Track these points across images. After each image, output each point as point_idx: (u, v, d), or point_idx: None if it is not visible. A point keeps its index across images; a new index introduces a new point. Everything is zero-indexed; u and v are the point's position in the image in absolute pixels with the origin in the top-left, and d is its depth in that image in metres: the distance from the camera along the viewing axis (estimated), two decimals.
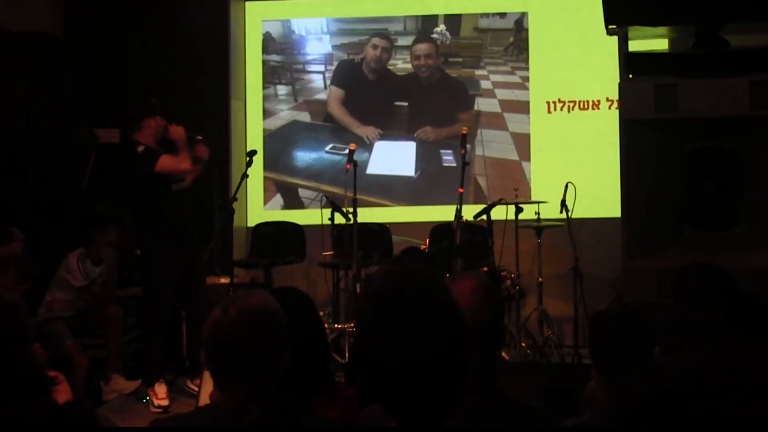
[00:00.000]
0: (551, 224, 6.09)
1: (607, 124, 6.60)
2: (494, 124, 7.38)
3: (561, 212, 5.80)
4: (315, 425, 1.95)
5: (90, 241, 5.59)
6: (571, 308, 5.82)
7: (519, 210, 6.02)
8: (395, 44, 7.54)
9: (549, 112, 7.27)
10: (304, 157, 7.52)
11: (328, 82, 7.57)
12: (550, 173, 7.05)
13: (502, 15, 7.45)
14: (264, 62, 7.60)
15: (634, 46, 5.09)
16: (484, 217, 5.89)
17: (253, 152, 5.61)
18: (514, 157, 7.32)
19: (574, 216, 5.78)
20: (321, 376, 2.29)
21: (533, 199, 6.65)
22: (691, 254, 4.36)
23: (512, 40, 7.43)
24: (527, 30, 7.37)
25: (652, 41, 5.74)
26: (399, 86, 7.50)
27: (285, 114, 7.59)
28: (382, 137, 7.43)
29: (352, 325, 5.72)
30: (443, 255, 5.85)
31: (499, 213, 6.00)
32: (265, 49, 7.61)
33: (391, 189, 7.37)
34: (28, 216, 6.30)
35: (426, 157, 7.38)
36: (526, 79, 7.35)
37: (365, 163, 7.23)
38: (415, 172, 7.39)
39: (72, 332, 5.29)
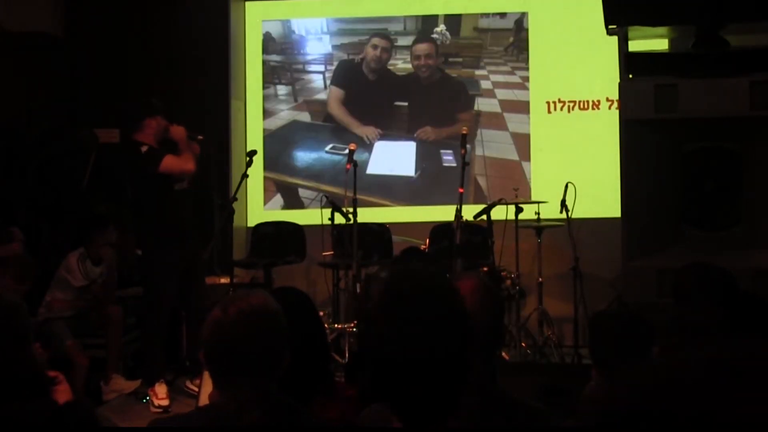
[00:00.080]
0: (551, 224, 6.09)
1: (607, 124, 6.59)
2: (494, 124, 7.37)
3: (561, 212, 5.80)
4: (315, 425, 1.96)
5: (90, 241, 5.59)
6: (571, 308, 5.82)
7: (519, 210, 6.02)
8: (395, 44, 7.54)
9: (549, 112, 7.26)
10: (304, 157, 7.51)
11: (328, 82, 7.57)
12: (550, 173, 7.04)
13: (502, 15, 7.45)
14: (264, 62, 7.60)
15: (634, 46, 5.09)
16: (484, 217, 5.88)
17: (253, 152, 5.60)
18: (514, 157, 7.32)
19: (574, 216, 5.78)
20: (321, 376, 2.29)
21: (533, 199, 6.65)
22: (691, 254, 4.36)
23: (512, 40, 7.42)
24: (527, 30, 7.37)
25: (652, 41, 5.74)
26: (399, 86, 7.49)
27: (285, 114, 7.59)
28: (382, 137, 7.42)
29: (352, 325, 5.72)
30: (443, 255, 5.85)
31: (499, 213, 6.00)
32: (265, 49, 7.61)
33: (391, 189, 7.37)
34: (28, 216, 6.30)
35: (426, 157, 7.38)
36: (526, 79, 7.35)
37: (365, 163, 7.22)
38: (415, 172, 7.39)
39: (72, 332, 5.30)
